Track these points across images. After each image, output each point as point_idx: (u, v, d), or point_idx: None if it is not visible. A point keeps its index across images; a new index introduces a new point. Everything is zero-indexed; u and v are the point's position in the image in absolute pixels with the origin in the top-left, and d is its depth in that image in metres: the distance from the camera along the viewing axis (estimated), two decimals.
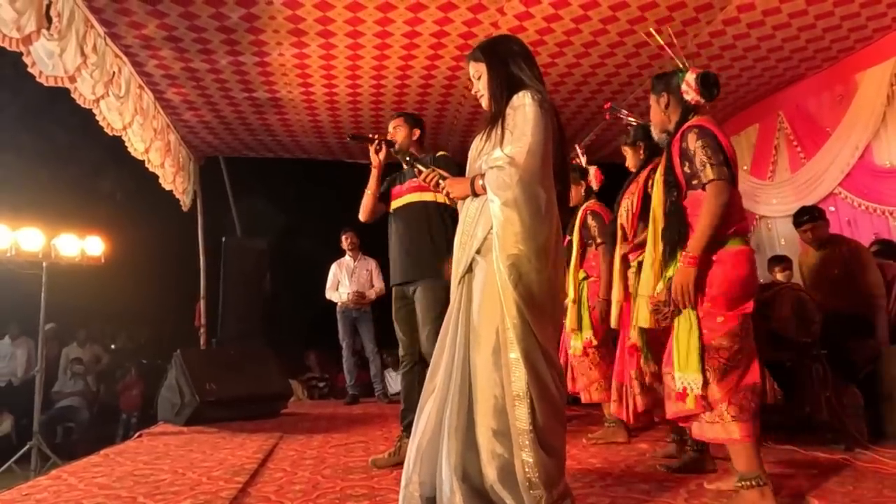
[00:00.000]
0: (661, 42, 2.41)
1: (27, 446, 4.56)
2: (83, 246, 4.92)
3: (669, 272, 2.12)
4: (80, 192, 8.18)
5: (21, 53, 3.12)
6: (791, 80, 5.08)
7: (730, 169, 2.07)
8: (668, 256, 2.15)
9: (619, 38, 4.21)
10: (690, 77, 2.21)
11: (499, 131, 1.86)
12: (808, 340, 3.09)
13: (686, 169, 2.13)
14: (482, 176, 1.85)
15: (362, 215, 3.07)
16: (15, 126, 7.78)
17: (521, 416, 1.70)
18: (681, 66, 2.27)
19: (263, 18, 3.83)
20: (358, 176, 6.98)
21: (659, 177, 2.26)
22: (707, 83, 2.20)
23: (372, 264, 5.96)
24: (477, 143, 1.96)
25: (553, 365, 1.79)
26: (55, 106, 6.30)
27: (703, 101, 2.20)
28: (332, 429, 4.14)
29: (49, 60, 3.34)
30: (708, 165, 2.04)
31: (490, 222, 1.81)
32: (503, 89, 1.92)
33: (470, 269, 1.87)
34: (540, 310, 1.77)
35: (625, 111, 3.28)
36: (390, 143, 2.91)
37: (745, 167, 5.87)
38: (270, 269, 7.02)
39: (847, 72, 4.71)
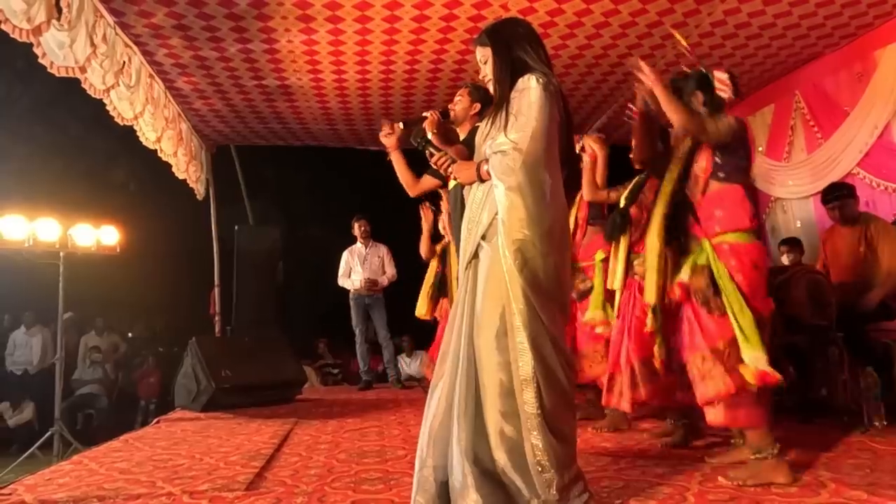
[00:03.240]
0: (686, 46, 2.60)
1: (49, 432, 4.66)
2: (98, 236, 4.97)
3: (700, 259, 2.21)
4: (94, 182, 8.27)
5: (32, 45, 3.13)
6: (808, 58, 4.97)
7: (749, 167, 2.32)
8: (682, 247, 2.27)
9: (630, 19, 4.14)
10: (724, 76, 2.32)
11: (503, 115, 1.84)
12: (823, 323, 3.06)
13: (717, 159, 2.25)
14: (487, 161, 1.84)
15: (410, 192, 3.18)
16: (29, 118, 7.85)
17: (528, 401, 1.71)
18: (702, 67, 2.42)
19: (272, 4, 3.81)
20: (368, 163, 7.04)
21: (675, 170, 2.34)
22: (736, 82, 2.34)
23: (383, 251, 5.97)
24: (483, 128, 1.96)
25: (560, 350, 1.78)
26: (68, 97, 6.35)
27: (733, 98, 2.33)
28: (347, 414, 4.18)
29: (59, 51, 3.35)
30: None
31: (495, 207, 1.80)
32: (507, 73, 1.90)
33: (476, 256, 1.87)
34: (546, 295, 1.76)
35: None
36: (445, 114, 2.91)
37: (759, 148, 5.78)
38: (283, 256, 7.07)
39: (866, 49, 4.60)
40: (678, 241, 2.32)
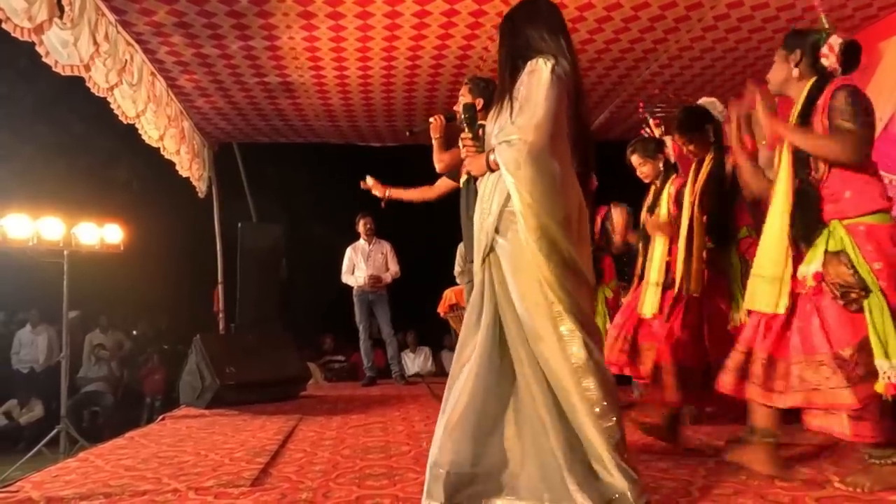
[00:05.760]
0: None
1: (55, 430, 4.69)
2: (102, 234, 4.98)
3: (833, 245, 1.91)
4: (97, 180, 8.29)
5: (34, 44, 3.13)
6: None
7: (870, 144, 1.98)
8: (802, 240, 2.00)
9: (633, 13, 4.12)
10: (835, 41, 2.03)
11: (508, 101, 1.82)
12: None
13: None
14: (494, 151, 1.83)
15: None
16: (32, 117, 7.86)
17: (590, 387, 1.70)
18: (826, 26, 2.09)
19: (272, 1, 3.80)
20: (371, 159, 7.03)
21: (787, 153, 2.09)
22: (851, 53, 2.03)
23: (387, 247, 5.98)
24: (492, 116, 1.94)
25: (596, 334, 1.80)
26: (70, 96, 6.36)
27: (839, 70, 2.05)
28: (351, 410, 4.19)
29: (63, 49, 3.35)
30: (851, 120, 1.92)
31: (503, 196, 1.79)
32: (511, 57, 1.89)
33: (492, 249, 1.84)
34: (576, 278, 1.76)
35: (651, 122, 3.27)
36: (450, 118, 2.89)
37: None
38: (286, 253, 7.08)
39: (870, 41, 4.56)
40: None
